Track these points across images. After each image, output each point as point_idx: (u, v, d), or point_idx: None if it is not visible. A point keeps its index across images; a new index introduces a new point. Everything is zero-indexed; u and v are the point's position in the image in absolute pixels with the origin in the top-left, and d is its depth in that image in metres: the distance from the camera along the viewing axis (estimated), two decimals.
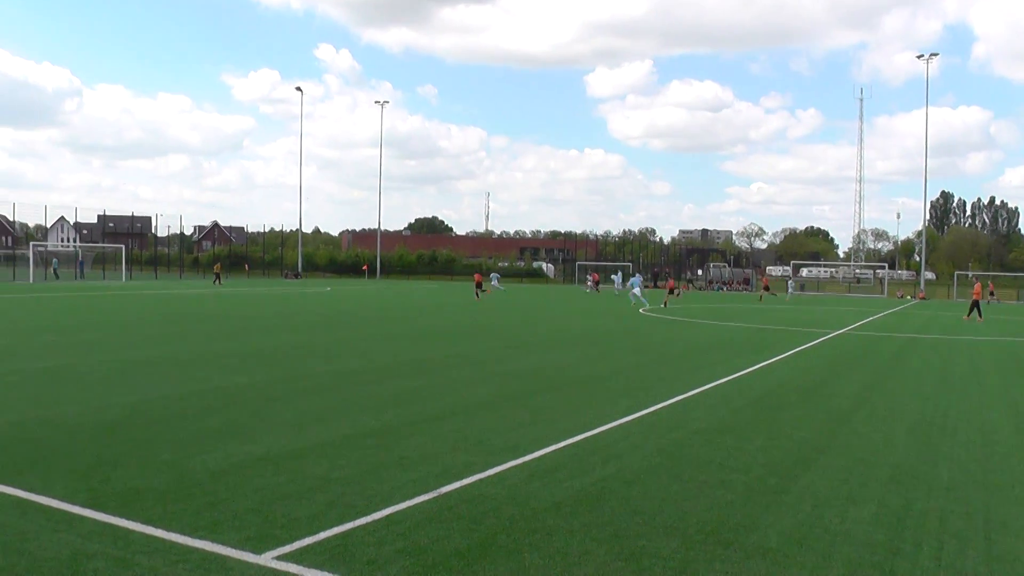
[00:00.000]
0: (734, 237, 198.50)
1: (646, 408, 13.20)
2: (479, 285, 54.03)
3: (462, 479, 8.75)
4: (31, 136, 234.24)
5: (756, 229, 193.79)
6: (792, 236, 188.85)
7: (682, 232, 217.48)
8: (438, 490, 8.32)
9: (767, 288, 59.75)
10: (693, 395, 14.69)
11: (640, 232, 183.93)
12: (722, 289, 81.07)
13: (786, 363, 19.94)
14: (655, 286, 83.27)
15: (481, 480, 8.77)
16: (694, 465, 9.69)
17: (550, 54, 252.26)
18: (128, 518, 7.45)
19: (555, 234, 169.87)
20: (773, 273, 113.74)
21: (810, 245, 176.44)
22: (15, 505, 7.95)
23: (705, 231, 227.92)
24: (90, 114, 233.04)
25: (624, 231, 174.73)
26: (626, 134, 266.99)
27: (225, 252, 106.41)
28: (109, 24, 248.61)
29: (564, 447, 10.40)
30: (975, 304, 40.02)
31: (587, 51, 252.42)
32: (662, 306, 34.92)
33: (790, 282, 70.59)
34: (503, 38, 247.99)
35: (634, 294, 50.51)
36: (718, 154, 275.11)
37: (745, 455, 10.26)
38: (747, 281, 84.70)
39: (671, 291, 50.65)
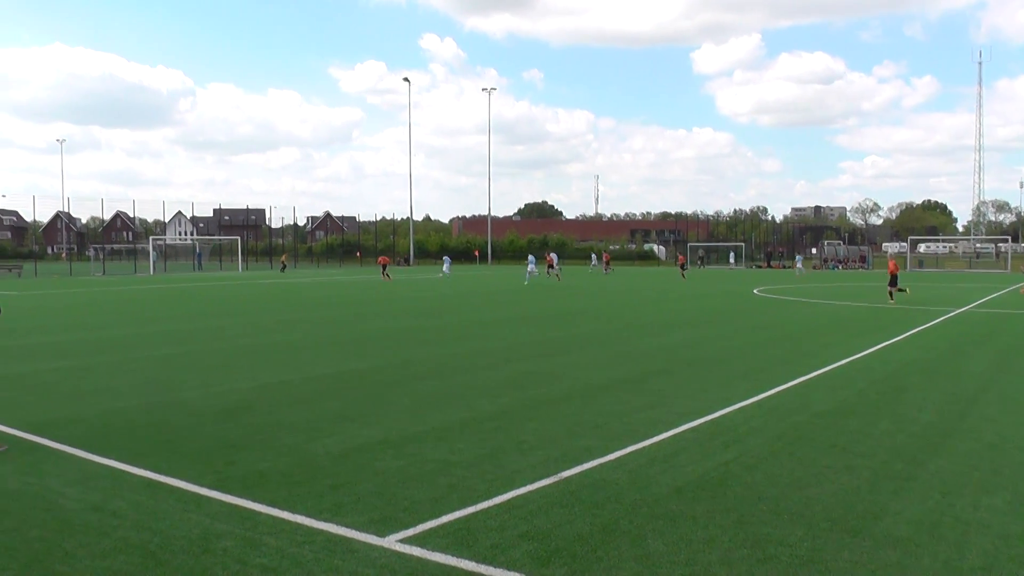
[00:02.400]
0: (848, 213, 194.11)
1: (765, 391, 12.95)
2: (551, 265, 55.23)
3: (582, 463, 8.72)
4: (148, 136, 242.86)
5: (871, 204, 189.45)
6: (908, 211, 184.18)
7: (794, 210, 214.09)
8: (558, 474, 8.30)
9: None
10: (813, 377, 14.37)
11: (751, 211, 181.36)
12: (837, 268, 79.28)
13: (908, 343, 19.38)
14: (768, 266, 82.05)
15: (601, 465, 8.72)
16: (817, 449, 9.46)
17: (655, 32, 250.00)
18: (253, 500, 7.64)
19: (665, 215, 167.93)
20: (890, 250, 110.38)
21: (927, 219, 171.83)
22: (145, 485, 8.24)
23: (818, 208, 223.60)
24: (203, 112, 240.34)
25: (735, 210, 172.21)
26: (734, 111, 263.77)
27: (338, 241, 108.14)
28: (219, 26, 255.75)
29: (683, 431, 10.27)
30: None
31: (692, 27, 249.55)
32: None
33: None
34: (607, 18, 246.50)
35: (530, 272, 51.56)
36: (830, 128, 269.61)
37: (870, 439, 9.97)
38: (863, 259, 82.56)
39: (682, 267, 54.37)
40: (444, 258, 64.19)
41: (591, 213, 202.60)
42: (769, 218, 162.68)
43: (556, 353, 17.40)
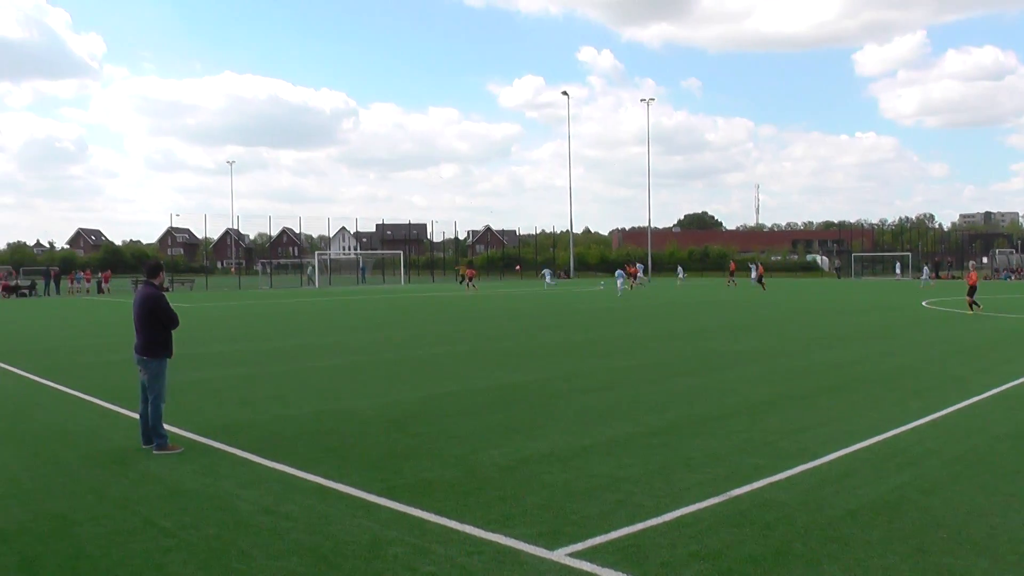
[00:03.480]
0: (1021, 219, 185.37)
1: (939, 410, 12.35)
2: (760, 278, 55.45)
3: (751, 482, 8.47)
4: (312, 155, 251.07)
5: None
6: None
7: (963, 216, 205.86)
8: (727, 493, 8.09)
9: None
10: (990, 396, 13.64)
11: (917, 218, 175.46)
12: (1010, 278, 75.42)
13: None
14: (936, 276, 78.94)
15: (771, 484, 8.45)
16: (999, 475, 8.92)
17: (815, 34, 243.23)
18: (422, 508, 7.70)
19: (827, 224, 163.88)
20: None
21: None
22: (316, 491, 8.42)
23: (988, 214, 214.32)
24: (365, 131, 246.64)
25: (900, 218, 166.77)
26: (898, 113, 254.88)
27: (498, 255, 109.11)
28: (380, 48, 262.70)
29: (855, 451, 9.87)
30: None
31: (854, 27, 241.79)
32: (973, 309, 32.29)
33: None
34: (765, 22, 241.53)
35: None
36: (1001, 127, 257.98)
37: None
38: None
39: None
40: (544, 271, 64.78)
41: (751, 223, 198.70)
42: (936, 225, 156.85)
43: (721, 368, 17.09)
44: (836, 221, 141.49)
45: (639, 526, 7.13)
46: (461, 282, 70.03)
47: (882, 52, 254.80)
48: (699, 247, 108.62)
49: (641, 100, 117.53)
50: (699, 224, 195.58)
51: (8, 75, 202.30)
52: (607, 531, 7.00)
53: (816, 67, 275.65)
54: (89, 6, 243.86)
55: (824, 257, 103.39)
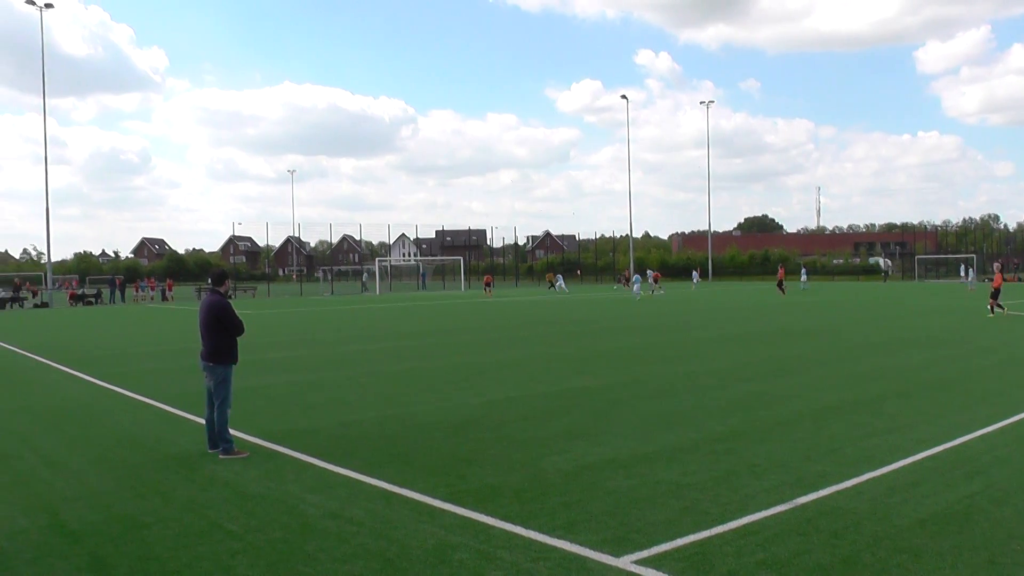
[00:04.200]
0: None
1: (1008, 417, 12.03)
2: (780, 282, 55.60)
3: (818, 490, 8.35)
4: (371, 163, 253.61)
5: None
6: None
7: None
8: (793, 501, 7.98)
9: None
10: None
11: (982, 219, 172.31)
12: None
13: None
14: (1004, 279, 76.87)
15: (838, 492, 8.32)
16: None
17: (875, 32, 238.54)
18: (487, 514, 7.72)
19: (890, 226, 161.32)
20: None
21: None
22: (381, 495, 8.49)
23: None
24: (424, 138, 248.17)
25: (964, 219, 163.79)
26: (962, 111, 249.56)
27: (558, 260, 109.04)
28: (438, 56, 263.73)
29: (922, 459, 9.68)
30: None
31: (915, 23, 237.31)
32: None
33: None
34: (824, 21, 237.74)
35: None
36: None
37: None
38: None
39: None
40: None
41: (812, 226, 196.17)
42: (1001, 226, 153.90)
43: (784, 373, 16.89)
44: (899, 223, 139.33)
45: (705, 533, 7.07)
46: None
47: (944, 49, 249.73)
48: (759, 250, 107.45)
49: (700, 103, 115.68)
50: (760, 227, 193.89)
51: (74, 90, 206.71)
52: (672, 538, 6.95)
53: (876, 66, 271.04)
54: (152, 21, 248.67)
55: (887, 260, 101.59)
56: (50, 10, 61.64)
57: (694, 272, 78.13)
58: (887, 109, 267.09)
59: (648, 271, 65.84)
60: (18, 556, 7.02)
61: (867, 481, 8.73)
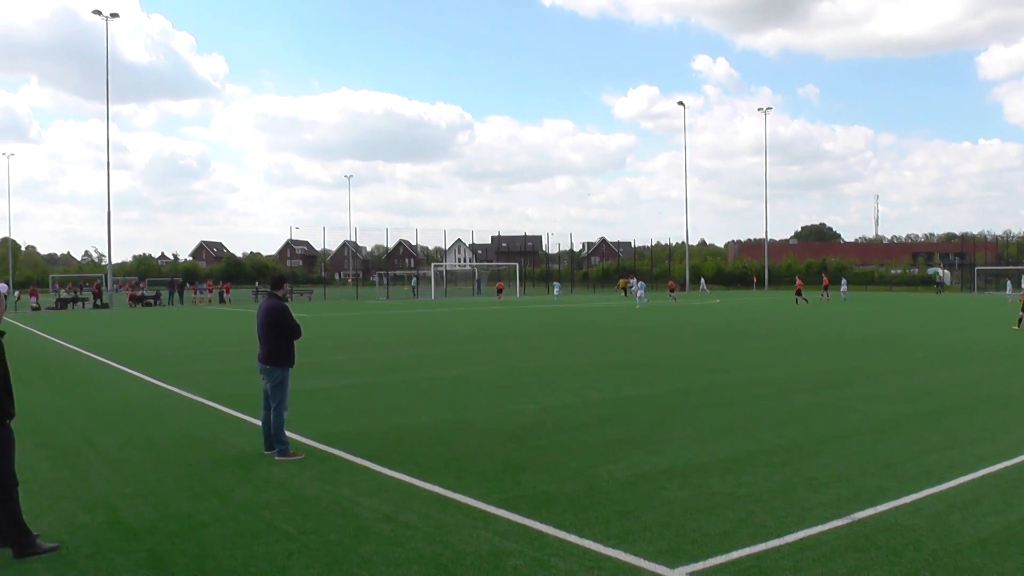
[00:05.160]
0: None
1: None
2: (799, 292, 55.79)
3: (876, 505, 8.21)
4: (428, 169, 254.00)
5: None
6: None
7: None
8: (851, 515, 7.86)
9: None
10: None
11: None
12: None
13: None
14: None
15: (896, 508, 8.18)
16: None
17: (936, 36, 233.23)
18: (541, 521, 7.70)
19: (949, 236, 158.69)
20: None
21: None
22: (435, 500, 8.51)
23: None
24: (481, 144, 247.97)
25: None
26: None
27: (613, 267, 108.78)
28: (494, 62, 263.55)
29: (983, 476, 9.48)
30: None
31: (978, 27, 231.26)
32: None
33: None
34: (884, 25, 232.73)
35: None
36: None
37: None
38: None
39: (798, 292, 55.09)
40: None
41: (870, 235, 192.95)
42: None
43: (841, 384, 16.67)
44: (958, 233, 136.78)
45: (761, 546, 6.99)
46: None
47: (1008, 53, 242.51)
48: (817, 259, 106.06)
49: (758, 109, 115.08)
50: (817, 236, 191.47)
51: (136, 97, 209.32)
52: (728, 551, 6.89)
53: (937, 71, 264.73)
54: (212, 29, 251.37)
55: (944, 270, 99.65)
56: (114, 19, 62.86)
57: (701, 279, 77.93)
58: (948, 116, 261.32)
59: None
60: (78, 550, 7.13)
61: (926, 497, 8.58)
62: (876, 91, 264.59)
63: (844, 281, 67.74)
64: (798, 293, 55.79)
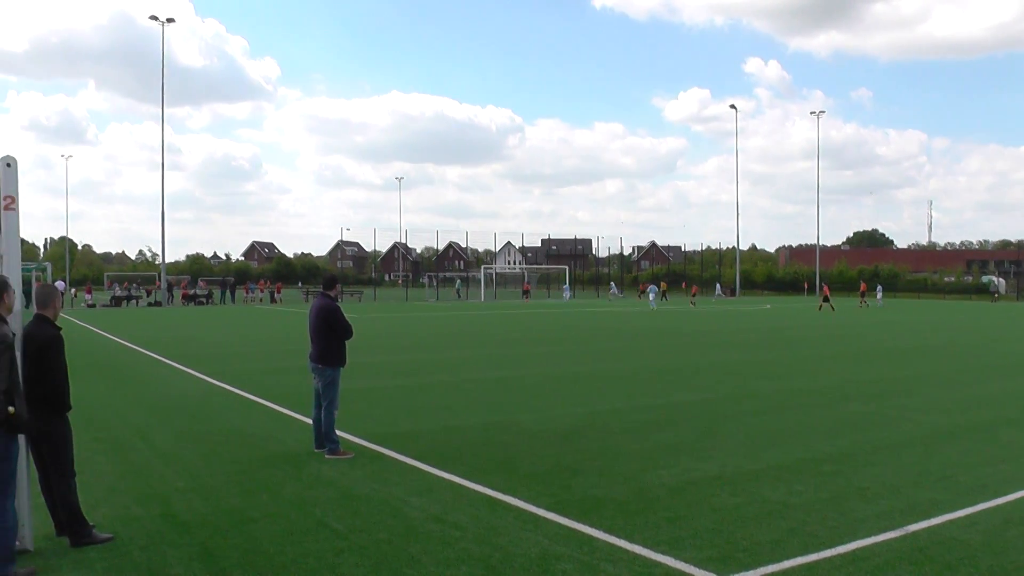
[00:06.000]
0: None
1: None
2: (827, 298, 55.01)
3: (929, 518, 8.07)
4: (478, 171, 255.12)
5: None
6: None
7: None
8: (904, 528, 7.73)
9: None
10: None
11: None
12: None
13: None
14: None
15: (950, 521, 8.03)
16: None
17: (992, 37, 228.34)
18: (590, 525, 7.68)
19: (1004, 244, 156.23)
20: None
21: None
22: (485, 502, 8.53)
23: None
24: (531, 147, 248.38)
25: None
26: None
27: (663, 271, 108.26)
28: (545, 65, 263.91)
29: None
30: None
31: None
32: None
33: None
34: (939, 27, 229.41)
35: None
36: None
37: None
38: None
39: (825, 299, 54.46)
40: (651, 287, 64.95)
41: (923, 241, 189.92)
42: None
43: (894, 394, 16.41)
44: (1014, 240, 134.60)
45: (812, 557, 6.91)
46: (663, 299, 70.83)
47: None
48: (869, 266, 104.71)
49: (811, 113, 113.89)
50: (869, 242, 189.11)
51: (189, 99, 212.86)
52: (779, 560, 6.81)
53: (993, 73, 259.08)
54: (265, 33, 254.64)
55: (999, 279, 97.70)
56: (169, 24, 63.92)
57: (716, 284, 77.59)
58: (1004, 119, 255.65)
59: (652, 284, 66.68)
60: (132, 542, 7.25)
61: (981, 512, 8.41)
62: (930, 94, 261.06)
63: (880, 288, 67.04)
64: (825, 299, 55.24)
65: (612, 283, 78.28)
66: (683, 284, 67.47)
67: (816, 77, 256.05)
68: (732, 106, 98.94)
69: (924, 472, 9.96)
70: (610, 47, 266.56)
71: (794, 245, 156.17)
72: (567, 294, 76.62)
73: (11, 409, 6.32)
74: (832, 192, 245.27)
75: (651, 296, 58.40)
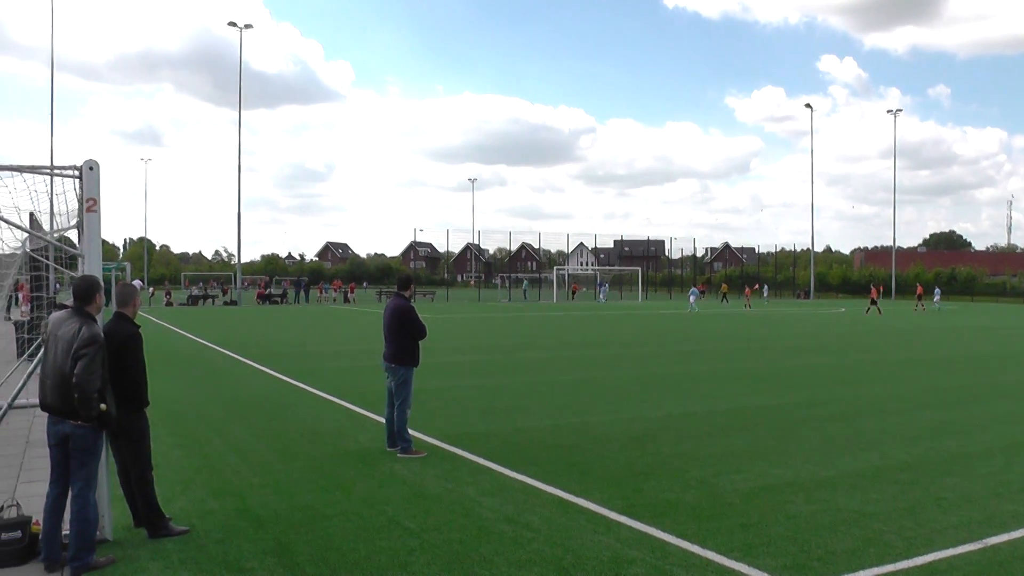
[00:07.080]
0: None
1: None
2: (874, 301, 54.76)
3: (1009, 531, 7.85)
4: (550, 172, 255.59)
5: None
6: None
7: None
8: (984, 540, 7.55)
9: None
10: None
11: None
12: None
13: None
14: None
15: None
16: None
17: None
18: (663, 530, 7.65)
19: None
20: None
21: None
22: (557, 504, 8.53)
23: None
24: (603, 148, 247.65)
25: None
26: None
27: (736, 273, 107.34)
28: (618, 65, 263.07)
29: None
30: None
31: None
32: None
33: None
34: (1020, 21, 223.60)
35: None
36: None
37: None
38: None
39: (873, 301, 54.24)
40: (692, 290, 63.95)
41: (1003, 243, 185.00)
42: None
43: (970, 402, 16.05)
44: None
45: (889, 567, 6.78)
46: (721, 300, 70.48)
47: None
48: (946, 268, 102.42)
49: (888, 111, 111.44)
50: (946, 244, 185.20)
51: (264, 103, 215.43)
52: (855, 569, 6.71)
53: None
54: (339, 37, 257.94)
55: None
56: (247, 30, 65.10)
57: (764, 286, 76.89)
58: None
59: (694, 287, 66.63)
60: (208, 535, 7.39)
61: None
62: (1011, 90, 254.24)
63: (937, 291, 65.76)
64: (872, 302, 54.28)
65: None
66: (747, 288, 66.96)
67: (893, 74, 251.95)
68: (807, 105, 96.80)
69: (1004, 483, 9.72)
70: (682, 46, 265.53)
71: (869, 247, 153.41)
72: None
73: (103, 406, 6.51)
74: (908, 192, 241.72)
75: (691, 299, 57.98)
